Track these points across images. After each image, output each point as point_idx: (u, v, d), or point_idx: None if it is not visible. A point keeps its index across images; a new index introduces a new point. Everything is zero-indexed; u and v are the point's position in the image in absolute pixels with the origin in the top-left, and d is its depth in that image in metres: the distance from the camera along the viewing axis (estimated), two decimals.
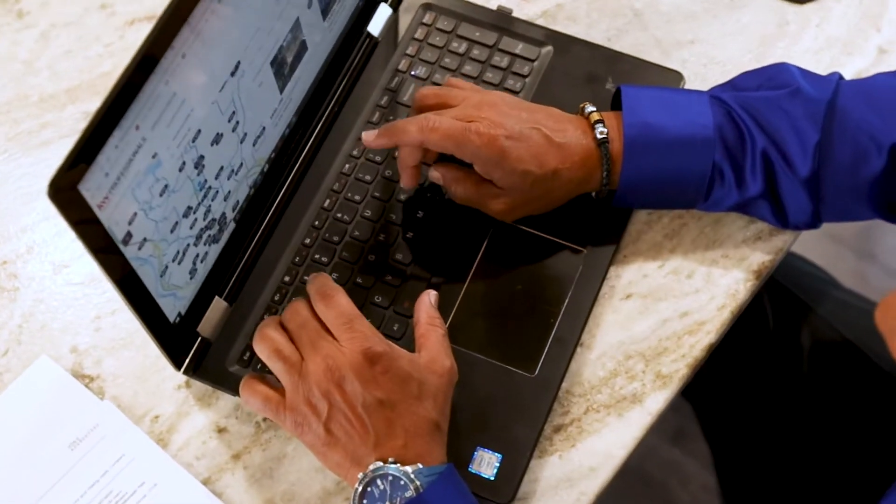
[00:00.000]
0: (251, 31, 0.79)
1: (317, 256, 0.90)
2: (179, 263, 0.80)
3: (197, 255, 0.83)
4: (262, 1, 0.79)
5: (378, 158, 0.94)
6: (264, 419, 0.86)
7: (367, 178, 0.93)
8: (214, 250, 0.85)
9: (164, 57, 0.70)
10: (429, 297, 0.84)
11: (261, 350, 0.79)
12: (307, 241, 0.91)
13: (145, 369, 0.88)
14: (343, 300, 0.81)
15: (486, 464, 0.82)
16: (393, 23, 1.01)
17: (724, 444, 1.27)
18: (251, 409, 0.79)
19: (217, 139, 0.80)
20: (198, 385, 0.87)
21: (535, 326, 0.87)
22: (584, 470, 0.83)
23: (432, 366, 0.79)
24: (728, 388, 1.16)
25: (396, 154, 0.90)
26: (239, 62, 0.79)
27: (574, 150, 0.86)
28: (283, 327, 0.80)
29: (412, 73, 0.98)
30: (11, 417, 0.86)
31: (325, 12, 0.90)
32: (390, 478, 0.74)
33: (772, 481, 1.13)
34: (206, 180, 0.80)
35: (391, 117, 0.96)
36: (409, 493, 0.73)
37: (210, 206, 0.82)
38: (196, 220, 0.81)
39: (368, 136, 0.87)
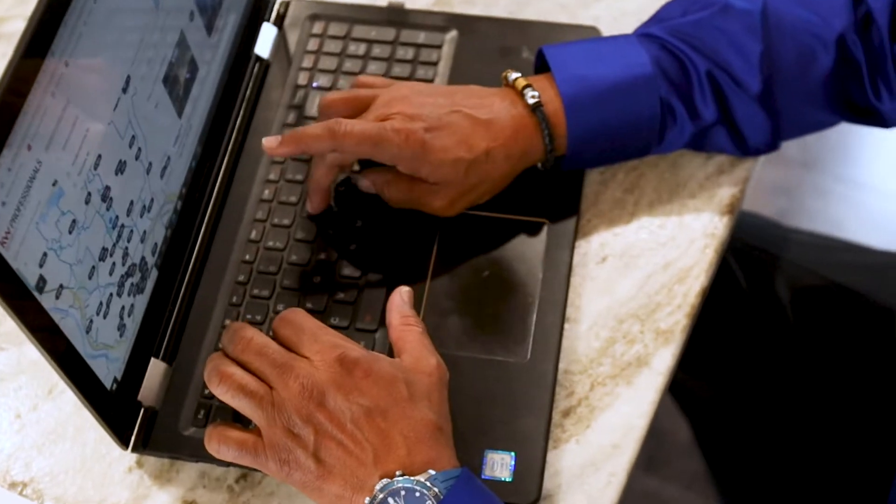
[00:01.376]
0: (135, 42, 0.71)
1: (255, 292, 0.80)
2: (105, 317, 0.69)
3: (123, 308, 0.72)
4: (140, 5, 0.71)
5: (299, 177, 0.85)
6: (237, 480, 0.74)
7: (292, 199, 0.84)
8: (141, 302, 0.75)
9: (45, 62, 0.60)
10: (400, 296, 0.75)
11: (221, 391, 0.68)
12: (241, 278, 0.81)
13: (86, 459, 0.76)
14: (299, 315, 0.71)
15: (500, 466, 0.72)
16: (281, 41, 0.93)
17: (715, 430, 1.19)
18: (225, 458, 0.68)
19: (121, 168, 0.70)
20: (152, 461, 0.75)
21: (514, 310, 0.78)
22: (607, 449, 0.74)
23: (417, 365, 0.70)
24: (715, 363, 1.08)
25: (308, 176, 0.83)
26: (129, 77, 0.70)
27: (504, 123, 0.79)
28: (238, 361, 0.70)
29: (314, 84, 0.90)
30: None
31: (209, 28, 0.82)
32: (402, 492, 0.64)
33: (774, 446, 1.05)
34: (117, 217, 0.70)
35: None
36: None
37: (127, 247, 0.72)
38: (114, 264, 0.70)
39: (271, 143, 0.79)
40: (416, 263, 0.80)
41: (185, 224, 0.81)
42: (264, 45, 0.91)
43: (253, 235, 0.82)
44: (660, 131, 0.81)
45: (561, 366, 0.76)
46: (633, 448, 0.74)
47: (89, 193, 0.66)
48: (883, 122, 0.85)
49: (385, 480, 0.64)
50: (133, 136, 0.71)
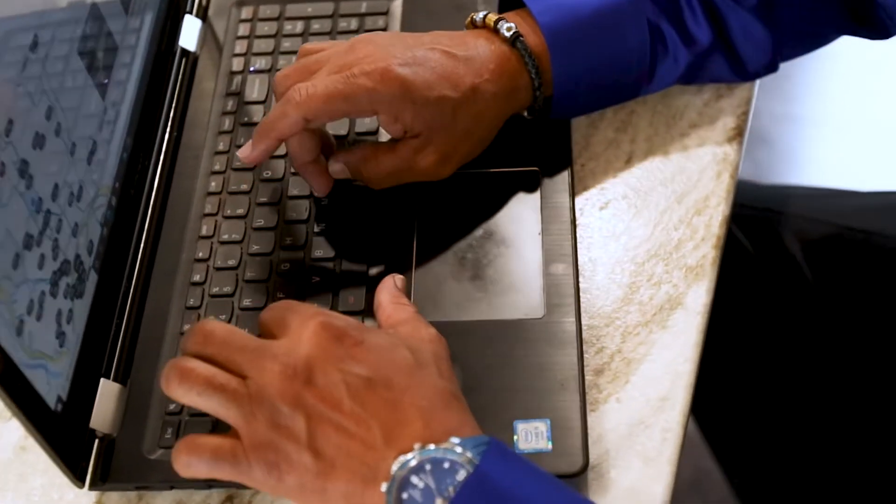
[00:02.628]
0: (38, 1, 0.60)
1: (216, 290, 0.68)
2: (39, 319, 0.57)
3: (60, 313, 0.60)
4: None
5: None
6: (224, 501, 0.61)
7: (244, 187, 0.73)
8: (81, 308, 0.63)
9: None
10: (393, 281, 0.64)
11: (182, 391, 0.55)
12: (197, 277, 0.69)
13: None
14: (270, 304, 0.60)
15: (535, 435, 0.61)
16: (208, 32, 0.83)
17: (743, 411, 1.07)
18: (198, 474, 0.54)
19: (39, 142, 0.59)
20: (115, 497, 0.62)
21: (517, 266, 0.67)
22: (655, 403, 0.63)
23: (416, 334, 0.59)
24: (736, 335, 0.97)
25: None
26: (36, 35, 0.59)
27: (485, 59, 0.68)
28: (200, 358, 0.57)
29: (251, 69, 0.80)
30: None
31: (125, 5, 0.71)
32: (428, 466, 0.52)
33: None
34: (41, 199, 0.58)
35: (245, 119, 0.76)
36: (462, 475, 0.51)
37: (57, 239, 0.60)
38: (44, 256, 0.58)
39: (245, 152, 0.68)
40: (398, 234, 0.70)
41: (124, 222, 0.69)
42: (189, 37, 0.81)
43: (204, 231, 0.71)
44: (651, 63, 0.72)
45: (583, 322, 0.65)
46: (683, 398, 0.63)
47: (3, 164, 0.55)
48: (885, 29, 0.77)
49: (403, 458, 0.52)
50: (50, 108, 0.60)
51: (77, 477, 0.60)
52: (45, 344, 0.58)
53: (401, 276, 0.64)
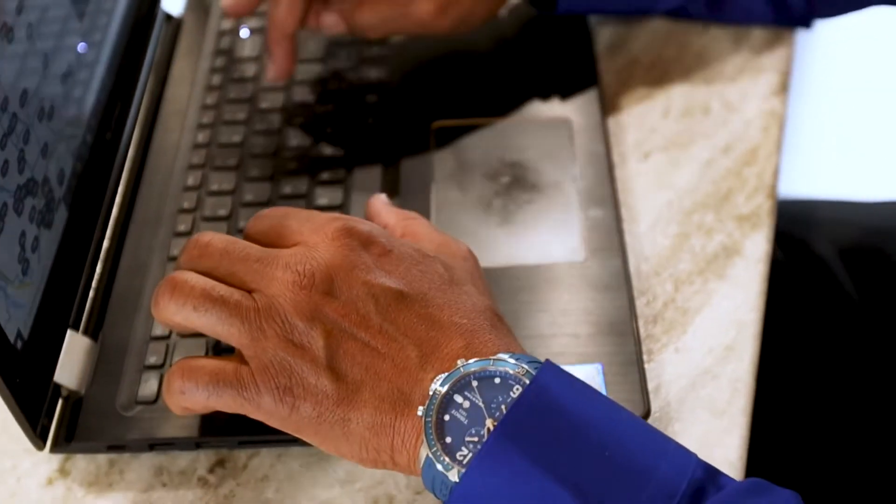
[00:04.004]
0: None
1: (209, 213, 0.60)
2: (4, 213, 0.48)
3: (24, 235, 0.50)
4: None
5: (241, 116, 0.66)
6: (212, 468, 0.51)
7: (235, 139, 0.65)
8: (48, 241, 0.53)
9: None
10: (379, 200, 0.55)
11: (174, 308, 0.46)
12: (181, 227, 0.61)
13: None
14: (277, 208, 0.51)
15: (588, 380, 0.51)
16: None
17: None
18: (195, 404, 0.45)
19: (5, 32, 0.50)
20: (81, 465, 0.52)
21: (550, 211, 0.59)
22: (720, 352, 0.54)
23: (446, 249, 0.50)
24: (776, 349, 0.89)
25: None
26: None
27: None
28: (196, 272, 0.48)
29: (242, 27, 0.72)
30: None
31: None
32: (475, 383, 0.43)
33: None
34: (6, 98, 0.50)
35: (237, 75, 0.69)
36: (517, 390, 0.42)
37: (24, 150, 0.51)
38: (8, 163, 0.49)
39: (230, 2, 0.63)
40: (415, 183, 0.62)
41: (99, 163, 0.60)
42: (174, 2, 0.74)
43: (191, 181, 0.63)
44: None
45: (630, 269, 0.57)
46: (752, 347, 0.54)
47: None
48: None
49: (444, 375, 0.43)
50: (21, 5, 0.52)
51: (38, 435, 0.50)
52: (6, 264, 0.48)
53: (383, 195, 0.56)
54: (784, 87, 0.67)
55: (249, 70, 0.69)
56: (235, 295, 0.45)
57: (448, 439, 0.42)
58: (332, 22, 0.64)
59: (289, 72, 0.64)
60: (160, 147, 0.65)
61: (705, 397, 0.52)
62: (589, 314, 0.54)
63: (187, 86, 0.68)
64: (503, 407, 0.42)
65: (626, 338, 0.53)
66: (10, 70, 0.50)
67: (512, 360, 0.43)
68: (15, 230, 0.50)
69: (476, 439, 0.42)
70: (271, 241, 0.49)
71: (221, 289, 0.46)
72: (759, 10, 0.70)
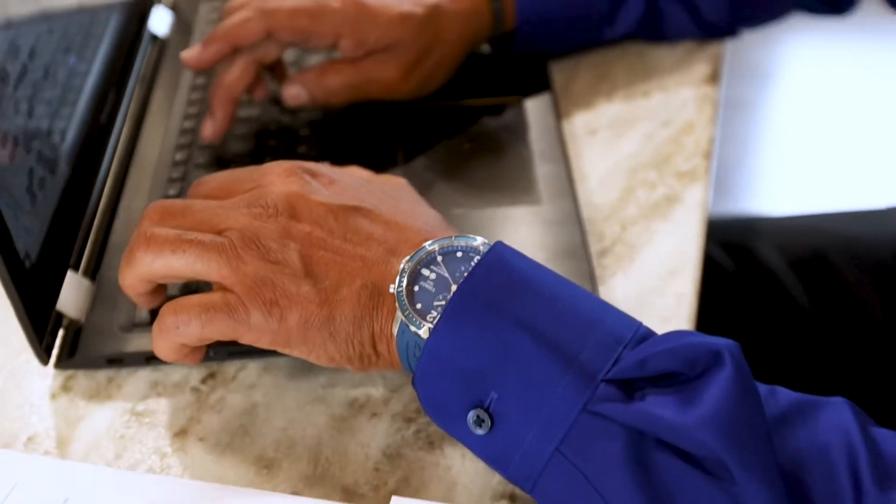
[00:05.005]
0: None
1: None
2: (11, 160, 0.54)
3: (32, 171, 0.56)
4: None
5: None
6: (204, 380, 0.55)
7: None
8: (52, 186, 0.59)
9: None
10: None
11: (153, 256, 0.49)
12: (175, 174, 0.66)
13: None
14: (211, 174, 0.56)
15: None
16: (180, 22, 0.83)
17: None
18: (190, 336, 0.48)
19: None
20: (83, 383, 0.56)
21: (508, 171, 0.66)
22: (664, 275, 0.60)
23: (384, 180, 0.57)
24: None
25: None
26: None
27: None
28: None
29: None
30: None
31: None
32: (439, 258, 0.48)
33: None
34: (18, 45, 0.56)
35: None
36: (475, 260, 0.47)
37: (32, 100, 0.57)
38: (19, 105, 0.55)
39: (191, 53, 0.67)
40: (383, 164, 0.67)
41: (95, 138, 0.66)
42: (160, 24, 0.81)
43: (178, 157, 0.68)
44: (611, 4, 0.73)
45: (582, 214, 0.63)
46: (693, 270, 0.60)
47: None
48: (838, 4, 0.80)
49: (409, 255, 0.48)
50: None
51: (43, 350, 0.54)
52: (16, 190, 0.54)
53: None
54: (715, 77, 0.75)
55: None
56: (208, 236, 0.49)
57: (419, 305, 0.47)
58: (294, 93, 0.68)
59: (224, 132, 0.67)
60: (150, 133, 0.70)
61: (653, 309, 0.58)
62: (546, 245, 0.60)
63: (171, 95, 0.74)
64: (465, 274, 0.47)
65: (579, 261, 0.58)
66: (25, 28, 0.57)
67: (470, 236, 0.48)
68: (25, 164, 0.55)
69: (443, 303, 0.47)
70: (222, 196, 0.52)
71: (193, 233, 0.49)
72: (689, 29, 0.78)
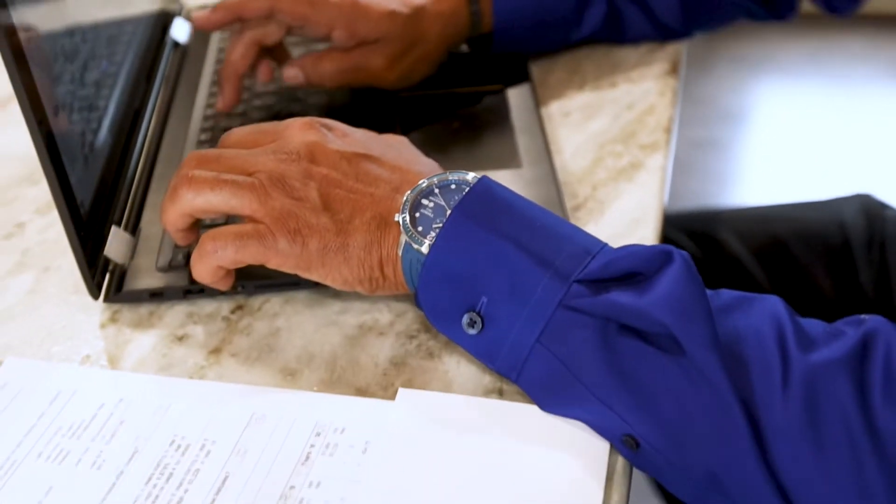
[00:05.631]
0: None
1: None
2: (70, 122, 0.63)
3: (84, 134, 0.65)
4: None
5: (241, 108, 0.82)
6: (233, 311, 0.64)
7: (238, 109, 0.80)
8: (98, 153, 0.68)
9: None
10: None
11: (193, 194, 0.58)
12: (203, 136, 0.76)
13: (50, 330, 0.64)
14: (236, 128, 0.65)
15: None
16: (198, 31, 0.92)
17: None
18: (225, 260, 0.57)
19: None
20: (128, 315, 0.64)
21: (492, 141, 0.75)
22: (628, 223, 0.69)
23: (386, 137, 0.65)
24: None
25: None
26: None
27: None
28: None
29: None
30: None
31: None
32: (436, 190, 0.58)
33: None
34: (73, 29, 0.65)
35: None
36: (466, 189, 0.56)
37: (83, 75, 0.66)
38: (74, 75, 0.65)
39: (201, 15, 0.78)
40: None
41: (131, 121, 0.76)
42: (180, 33, 0.91)
43: (203, 138, 0.77)
44: (578, 8, 0.84)
45: (558, 178, 0.72)
46: (655, 219, 0.69)
47: None
48: (778, 11, 0.91)
49: (410, 189, 0.57)
50: None
51: (95, 285, 0.63)
52: (73, 151, 0.62)
53: None
54: (675, 70, 0.85)
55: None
56: (241, 177, 0.58)
57: (419, 228, 0.56)
58: (292, 74, 0.79)
59: (234, 104, 0.78)
60: (176, 120, 0.80)
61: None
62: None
63: (193, 91, 0.84)
64: (456, 200, 0.56)
65: (554, 209, 0.67)
66: (87, 32, 0.66)
67: (462, 172, 0.58)
68: (77, 131, 0.64)
69: (440, 225, 0.56)
70: (249, 146, 0.61)
71: (228, 175, 0.58)
72: (647, 30, 0.88)
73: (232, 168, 0.59)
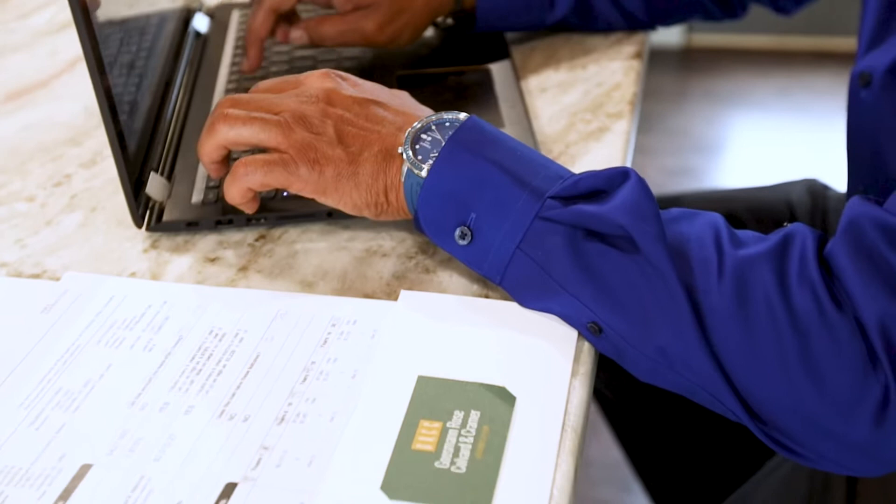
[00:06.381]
0: None
1: None
2: (118, 84, 0.74)
3: (133, 95, 0.76)
4: None
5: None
6: (257, 239, 0.75)
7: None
8: (140, 110, 0.79)
9: None
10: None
11: (225, 129, 0.69)
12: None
13: (97, 256, 0.74)
14: (264, 81, 0.76)
15: None
16: (217, 23, 1.04)
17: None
18: (254, 182, 0.68)
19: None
20: (166, 242, 0.75)
21: (479, 107, 0.86)
22: (598, 166, 0.80)
23: (391, 90, 0.76)
24: None
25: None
26: None
27: None
28: None
29: None
30: None
31: None
32: (433, 127, 0.68)
33: None
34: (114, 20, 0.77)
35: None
36: (458, 125, 0.67)
37: (121, 41, 0.78)
38: (121, 56, 0.76)
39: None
40: None
41: (163, 88, 0.87)
42: (201, 25, 1.03)
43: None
44: None
45: (536, 139, 0.83)
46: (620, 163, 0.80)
47: None
48: (733, 10, 1.03)
49: (410, 128, 0.68)
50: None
51: (139, 216, 0.73)
52: (123, 104, 0.73)
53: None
54: (640, 55, 0.97)
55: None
56: (268, 115, 0.69)
57: (419, 157, 0.67)
58: (298, 35, 0.92)
59: (258, 66, 0.91)
60: (201, 95, 0.91)
61: None
62: None
63: (214, 71, 0.95)
64: (450, 132, 0.67)
65: None
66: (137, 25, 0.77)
67: (455, 112, 0.69)
68: (124, 89, 0.75)
69: (436, 154, 0.67)
70: (275, 92, 0.72)
71: (258, 112, 0.69)
72: (616, 21, 1.00)
73: (261, 108, 0.70)
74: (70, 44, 1.08)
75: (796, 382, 0.59)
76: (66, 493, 0.54)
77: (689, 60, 3.41)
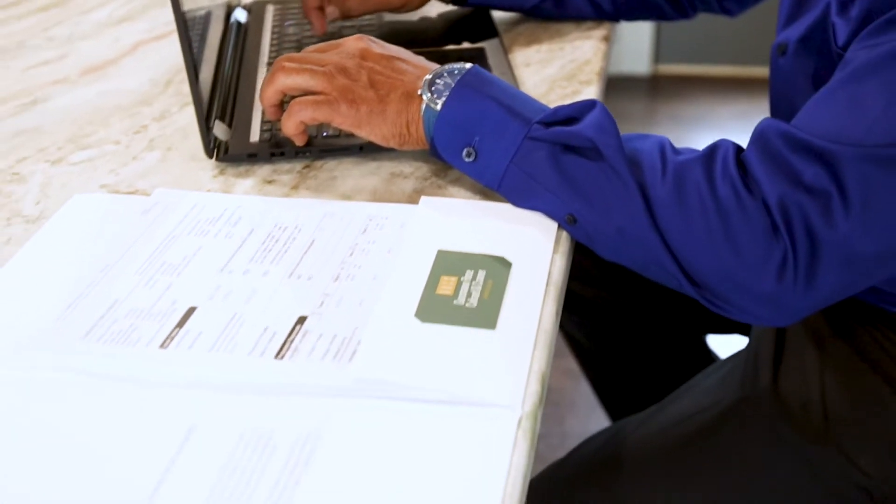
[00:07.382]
0: None
1: None
2: (198, 40, 0.94)
3: (197, 58, 0.96)
4: None
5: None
6: (302, 169, 0.94)
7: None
8: (205, 71, 0.99)
9: None
10: None
11: (282, 77, 0.89)
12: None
13: (177, 180, 0.94)
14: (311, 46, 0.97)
15: None
16: (255, 15, 1.24)
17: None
18: (305, 116, 0.87)
19: None
20: (230, 171, 0.94)
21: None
22: None
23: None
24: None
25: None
26: None
27: None
28: None
29: (286, 23, 1.21)
30: (62, 238, 0.87)
31: None
32: (445, 73, 0.88)
33: None
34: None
35: (286, 47, 1.17)
36: (464, 71, 0.88)
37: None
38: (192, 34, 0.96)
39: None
40: None
41: (218, 61, 1.07)
42: (241, 16, 1.23)
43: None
44: None
45: None
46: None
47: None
48: (685, 11, 1.25)
49: (427, 76, 0.89)
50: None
51: (210, 149, 0.93)
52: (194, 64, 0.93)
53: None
54: (607, 39, 1.18)
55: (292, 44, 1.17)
56: (317, 66, 0.90)
57: (435, 96, 0.87)
58: (330, 10, 1.15)
59: (323, 29, 1.13)
60: (248, 62, 1.11)
61: None
62: None
63: (256, 55, 1.16)
64: (459, 77, 0.87)
65: None
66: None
67: (464, 63, 0.89)
68: (193, 57, 0.95)
69: (448, 93, 0.87)
70: (321, 52, 0.93)
71: (309, 65, 0.90)
72: (586, 10, 1.22)
73: (310, 62, 0.90)
74: (130, 33, 1.29)
75: (721, 251, 0.79)
76: (181, 323, 0.73)
77: (656, 87, 3.64)
